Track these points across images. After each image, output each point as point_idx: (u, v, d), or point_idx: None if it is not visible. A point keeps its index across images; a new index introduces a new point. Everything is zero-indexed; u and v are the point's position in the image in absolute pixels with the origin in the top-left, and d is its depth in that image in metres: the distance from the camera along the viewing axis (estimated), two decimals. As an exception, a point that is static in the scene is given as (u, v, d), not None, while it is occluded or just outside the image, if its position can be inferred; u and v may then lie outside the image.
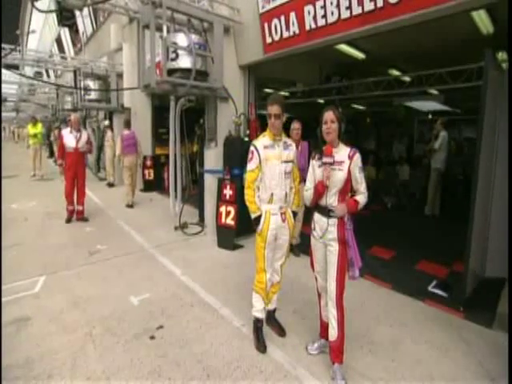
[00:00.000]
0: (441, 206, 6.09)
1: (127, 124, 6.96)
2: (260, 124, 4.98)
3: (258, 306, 2.44)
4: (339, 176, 2.03)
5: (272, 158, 2.31)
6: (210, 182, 4.87)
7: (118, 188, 8.11)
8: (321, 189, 2.06)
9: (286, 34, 3.86)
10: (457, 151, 7.84)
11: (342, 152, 2.05)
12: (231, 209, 4.42)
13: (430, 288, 3.29)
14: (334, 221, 2.07)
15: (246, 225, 4.80)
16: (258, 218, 2.33)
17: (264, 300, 2.44)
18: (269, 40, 4.08)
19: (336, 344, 2.06)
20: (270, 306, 2.61)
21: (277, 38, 3.97)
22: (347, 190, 2.06)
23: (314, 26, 3.55)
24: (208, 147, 4.82)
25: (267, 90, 8.37)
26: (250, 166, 2.35)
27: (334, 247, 2.07)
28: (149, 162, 8.05)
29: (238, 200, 4.39)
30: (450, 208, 6.10)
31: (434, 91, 6.80)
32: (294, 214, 2.49)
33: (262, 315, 2.45)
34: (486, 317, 2.72)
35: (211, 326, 2.63)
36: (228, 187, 4.45)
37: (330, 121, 2.02)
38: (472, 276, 3.03)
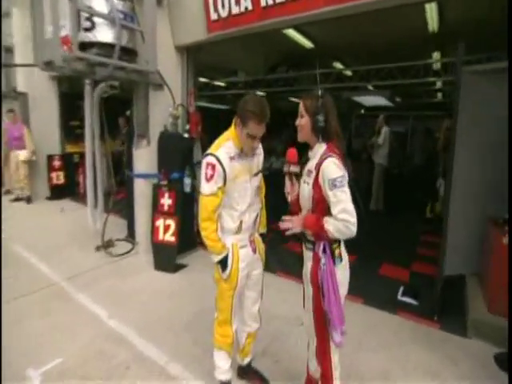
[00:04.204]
0: (384, 200, 6.28)
1: (10, 112, 6.10)
2: (201, 117, 4.36)
3: (223, 366, 1.90)
4: (305, 191, 1.57)
5: (241, 174, 1.72)
6: (141, 189, 4.07)
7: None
8: (295, 208, 1.64)
9: (235, 10, 3.29)
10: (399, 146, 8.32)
11: (317, 156, 1.54)
12: (171, 222, 3.73)
13: (399, 297, 3.22)
14: (309, 253, 1.62)
15: (189, 239, 4.28)
16: (225, 259, 1.74)
17: (230, 357, 1.91)
18: (214, 16, 3.46)
19: None
20: (247, 359, 2.08)
21: (224, 14, 3.38)
22: (322, 212, 1.50)
23: (270, 1, 3.06)
24: (138, 146, 3.99)
25: (202, 79, 7.69)
26: (210, 187, 1.65)
27: (310, 290, 1.61)
28: (57, 163, 6.65)
29: (179, 211, 3.75)
30: (393, 202, 6.33)
31: (370, 87, 7.02)
32: (262, 236, 1.99)
33: (228, 376, 1.92)
34: (459, 324, 2.72)
35: (159, 397, 1.98)
36: (166, 195, 3.74)
37: (299, 115, 1.57)
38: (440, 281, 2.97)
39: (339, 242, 1.56)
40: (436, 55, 5.74)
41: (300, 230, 1.57)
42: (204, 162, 1.68)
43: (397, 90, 6.34)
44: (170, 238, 3.72)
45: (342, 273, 1.58)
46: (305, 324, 1.82)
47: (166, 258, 3.74)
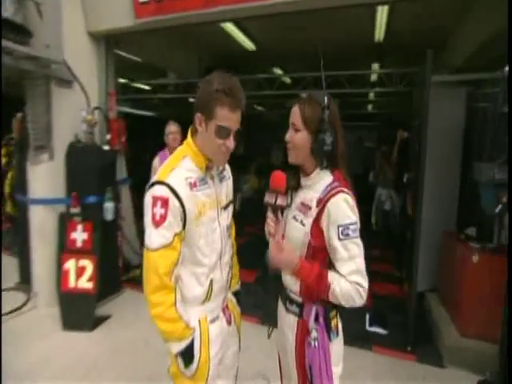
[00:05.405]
0: None
1: None
2: (126, 125, 3.60)
3: None
4: (296, 233, 1.15)
5: (207, 208, 1.16)
6: (40, 219, 3.10)
7: None
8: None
9: (172, -8, 2.73)
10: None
11: (317, 187, 1.13)
12: (87, 263, 2.92)
13: (367, 327, 3.06)
14: (291, 319, 1.20)
15: (110, 281, 3.33)
16: (190, 347, 1.14)
17: None
18: (143, -3, 2.83)
19: None
20: None
21: (157, -5, 2.78)
22: (319, 262, 1.12)
23: (219, -15, 2.59)
24: (35, 160, 3.04)
25: (122, 80, 6.74)
26: (161, 235, 1.07)
27: (293, 371, 1.19)
28: None
29: (98, 247, 2.94)
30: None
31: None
32: (237, 295, 1.45)
33: None
34: (432, 352, 2.68)
35: None
36: (79, 228, 2.92)
37: (291, 127, 1.16)
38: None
39: (336, 306, 1.17)
40: (375, 66, 5.97)
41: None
42: (148, 196, 1.09)
43: (343, 99, 6.44)
44: (85, 284, 2.89)
45: (337, 348, 1.20)
46: None
47: (81, 312, 2.89)
